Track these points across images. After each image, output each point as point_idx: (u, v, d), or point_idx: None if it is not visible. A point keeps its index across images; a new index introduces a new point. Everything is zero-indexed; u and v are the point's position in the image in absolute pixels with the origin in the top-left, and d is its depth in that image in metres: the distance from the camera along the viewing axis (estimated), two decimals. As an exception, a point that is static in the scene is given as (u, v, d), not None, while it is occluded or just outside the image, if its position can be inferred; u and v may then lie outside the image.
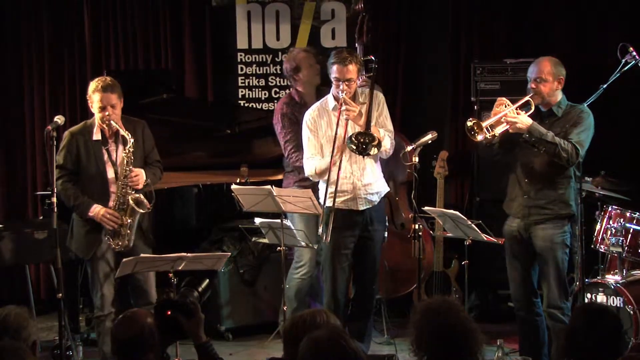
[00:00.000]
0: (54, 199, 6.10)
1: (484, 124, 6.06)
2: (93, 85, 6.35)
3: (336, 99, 6.43)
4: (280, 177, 7.58)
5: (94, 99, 6.31)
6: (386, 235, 6.94)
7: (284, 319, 6.69)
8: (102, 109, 6.28)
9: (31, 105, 8.92)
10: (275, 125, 7.32)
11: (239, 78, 9.06)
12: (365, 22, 7.27)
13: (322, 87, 7.41)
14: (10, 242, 6.77)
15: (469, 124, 6.07)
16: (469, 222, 6.31)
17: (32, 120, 8.91)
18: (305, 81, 7.30)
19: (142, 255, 6.16)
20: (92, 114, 6.41)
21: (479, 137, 6.07)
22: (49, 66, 8.91)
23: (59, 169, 6.33)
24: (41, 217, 7.79)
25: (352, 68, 6.33)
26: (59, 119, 6.24)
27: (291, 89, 7.46)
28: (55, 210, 6.08)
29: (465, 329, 3.82)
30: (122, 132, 6.29)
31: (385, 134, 6.43)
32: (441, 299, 4.08)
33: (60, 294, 6.22)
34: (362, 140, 6.25)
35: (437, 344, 3.78)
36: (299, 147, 7.00)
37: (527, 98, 6.16)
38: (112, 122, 6.28)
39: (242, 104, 9.01)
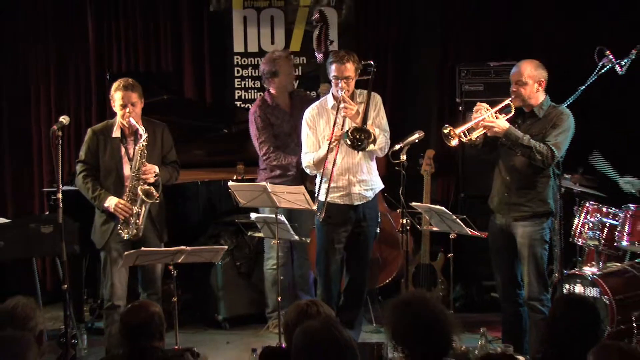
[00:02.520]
0: (60, 195, 6.11)
1: (458, 130, 6.06)
2: (115, 84, 6.41)
3: (335, 98, 6.45)
4: (273, 173, 7.57)
5: (116, 97, 6.36)
6: (378, 231, 6.95)
7: (272, 310, 6.73)
8: (123, 106, 6.33)
9: (37, 106, 8.92)
10: (249, 127, 7.33)
11: (236, 80, 9.08)
12: (324, 31, 7.28)
13: (296, 91, 7.44)
14: (18, 236, 6.76)
15: (445, 130, 6.07)
16: (454, 217, 6.33)
17: (38, 121, 8.91)
18: (279, 86, 7.28)
19: (142, 248, 6.17)
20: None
21: (453, 143, 6.07)
22: (54, 69, 8.91)
23: (80, 164, 6.43)
24: (47, 213, 7.77)
25: (350, 66, 6.35)
26: (64, 119, 6.25)
27: (265, 92, 7.44)
28: (61, 205, 6.10)
29: (437, 318, 3.82)
30: (139, 128, 6.31)
31: (381, 133, 6.45)
32: (410, 292, 4.10)
33: (66, 286, 6.26)
34: (357, 136, 6.28)
35: (413, 335, 3.78)
36: (276, 148, 7.06)
37: (507, 101, 6.15)
38: (131, 119, 6.30)
39: (238, 105, 9.02)
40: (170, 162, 6.60)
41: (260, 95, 8.91)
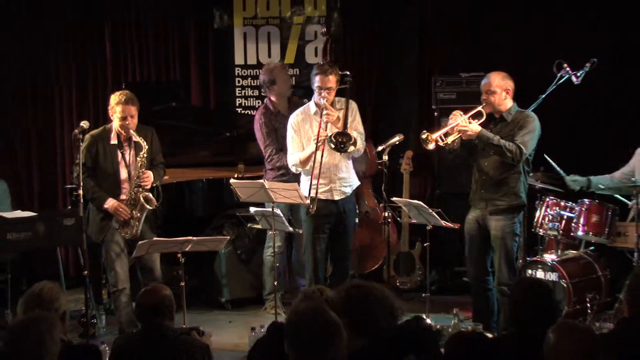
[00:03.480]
0: (80, 192, 6.13)
1: (435, 135, 6.10)
2: (116, 98, 6.35)
3: (317, 105, 6.47)
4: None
5: (117, 110, 6.31)
6: (357, 221, 6.98)
7: (269, 293, 6.75)
8: (123, 118, 6.30)
9: (61, 112, 8.92)
10: (255, 132, 7.35)
11: (237, 89, 9.08)
12: (329, 44, 7.31)
13: (293, 97, 7.46)
14: (44, 228, 6.78)
15: (423, 136, 6.12)
16: (430, 211, 6.36)
17: (62, 125, 8.91)
18: (278, 92, 7.31)
19: (155, 239, 6.20)
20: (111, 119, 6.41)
21: (431, 146, 6.12)
22: (75, 79, 8.91)
23: (80, 167, 6.34)
24: (69, 207, 7.79)
25: (332, 78, 6.37)
26: (84, 124, 6.26)
27: (266, 99, 7.47)
28: (82, 201, 6.12)
29: (386, 296, 3.87)
30: (139, 140, 6.30)
31: (358, 136, 6.48)
32: (355, 282, 4.12)
33: (86, 272, 6.26)
34: (340, 139, 6.31)
35: (373, 318, 3.82)
36: (277, 150, 7.08)
37: (479, 108, 6.20)
38: (132, 132, 6.30)
39: (239, 111, 9.03)
40: (158, 164, 6.59)
41: (260, 102, 9.03)
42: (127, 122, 6.30)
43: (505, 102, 6.23)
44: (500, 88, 6.18)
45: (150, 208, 6.33)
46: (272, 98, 7.34)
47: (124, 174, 6.40)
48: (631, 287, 4.28)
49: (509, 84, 6.22)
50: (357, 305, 3.84)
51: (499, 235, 6.20)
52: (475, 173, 6.36)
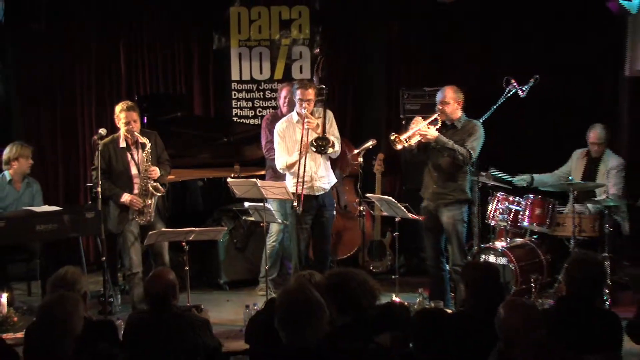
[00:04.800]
0: (99, 189, 6.15)
1: (402, 137, 6.13)
2: (119, 107, 6.41)
3: (299, 115, 6.48)
4: (262, 172, 7.61)
5: (121, 117, 6.35)
6: (335, 213, 6.99)
7: (266, 274, 6.76)
8: (127, 123, 6.32)
9: (82, 120, 8.88)
10: (262, 132, 7.35)
11: (233, 101, 9.06)
12: (322, 62, 7.32)
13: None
14: (69, 220, 6.73)
15: (392, 137, 6.15)
16: (399, 205, 6.39)
17: (83, 131, 8.87)
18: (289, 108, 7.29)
19: (162, 229, 6.20)
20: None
21: (398, 147, 6.15)
22: (95, 90, 8.86)
23: (96, 171, 6.33)
24: (90, 202, 7.75)
25: (311, 91, 6.40)
26: (102, 131, 6.28)
27: (277, 110, 7.45)
28: (100, 197, 6.14)
29: (366, 280, 3.89)
30: (142, 139, 6.33)
31: (335, 139, 6.49)
32: (336, 270, 4.13)
33: (104, 257, 6.28)
34: (320, 143, 6.33)
35: (356, 300, 3.83)
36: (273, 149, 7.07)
37: (435, 116, 6.25)
38: (136, 133, 6.31)
39: (235, 120, 9.01)
40: (164, 160, 6.60)
41: (253, 112, 9.05)
42: (131, 126, 6.32)
43: (457, 111, 6.29)
44: (453, 100, 6.25)
45: (159, 194, 6.37)
46: (284, 111, 7.27)
47: (134, 170, 6.42)
48: (568, 270, 4.32)
49: (460, 96, 6.29)
50: (341, 288, 3.85)
51: (451, 222, 6.25)
52: (430, 170, 6.40)
